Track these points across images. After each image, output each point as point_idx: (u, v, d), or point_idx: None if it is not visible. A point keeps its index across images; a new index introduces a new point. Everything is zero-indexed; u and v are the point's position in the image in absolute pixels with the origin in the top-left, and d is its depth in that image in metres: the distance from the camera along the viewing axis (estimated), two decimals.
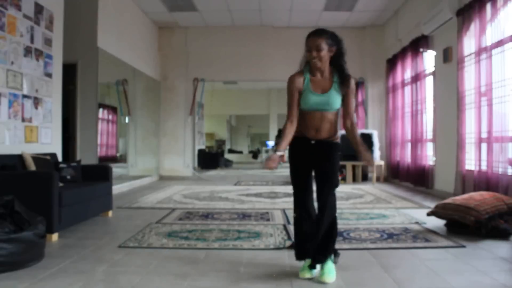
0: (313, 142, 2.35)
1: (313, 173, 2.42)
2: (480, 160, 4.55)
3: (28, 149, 3.92)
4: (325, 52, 2.26)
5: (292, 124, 2.34)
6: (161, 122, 8.82)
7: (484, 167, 4.46)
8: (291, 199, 2.52)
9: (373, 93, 8.45)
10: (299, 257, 2.41)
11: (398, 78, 7.40)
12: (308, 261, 2.35)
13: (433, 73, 5.94)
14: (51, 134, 4.51)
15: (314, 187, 2.41)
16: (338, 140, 2.41)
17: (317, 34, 2.28)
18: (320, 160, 2.36)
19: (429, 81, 6.15)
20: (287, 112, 2.37)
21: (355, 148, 2.41)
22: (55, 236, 3.14)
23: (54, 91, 4.54)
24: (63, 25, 4.74)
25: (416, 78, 6.47)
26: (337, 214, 2.36)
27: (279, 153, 2.25)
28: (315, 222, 2.35)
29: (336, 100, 2.31)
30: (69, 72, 5.38)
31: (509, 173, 4.04)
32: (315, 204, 2.42)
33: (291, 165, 2.45)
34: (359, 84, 8.68)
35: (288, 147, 2.41)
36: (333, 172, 2.36)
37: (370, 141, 7.39)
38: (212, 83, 10.11)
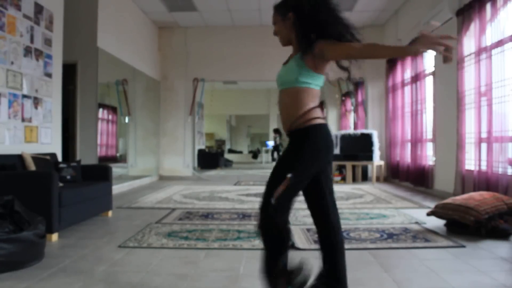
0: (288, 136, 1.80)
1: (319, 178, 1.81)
2: (480, 160, 4.55)
3: (28, 149, 3.92)
4: (280, 25, 1.84)
5: None
6: (161, 122, 8.82)
7: (484, 167, 4.46)
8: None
9: (373, 93, 8.45)
10: None
11: (398, 78, 7.39)
12: None
13: (433, 73, 5.94)
14: (51, 134, 4.51)
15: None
16: (310, 124, 1.72)
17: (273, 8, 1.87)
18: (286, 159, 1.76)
19: (429, 81, 6.15)
20: None
21: (400, 52, 1.68)
22: (55, 236, 3.14)
23: (54, 91, 4.54)
24: (63, 25, 4.74)
25: (416, 78, 6.47)
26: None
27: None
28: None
29: (290, 71, 1.76)
30: (69, 72, 5.38)
31: (509, 173, 4.04)
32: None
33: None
34: (359, 84, 8.67)
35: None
36: (281, 175, 1.67)
37: (370, 141, 7.39)
38: (212, 83, 10.09)
